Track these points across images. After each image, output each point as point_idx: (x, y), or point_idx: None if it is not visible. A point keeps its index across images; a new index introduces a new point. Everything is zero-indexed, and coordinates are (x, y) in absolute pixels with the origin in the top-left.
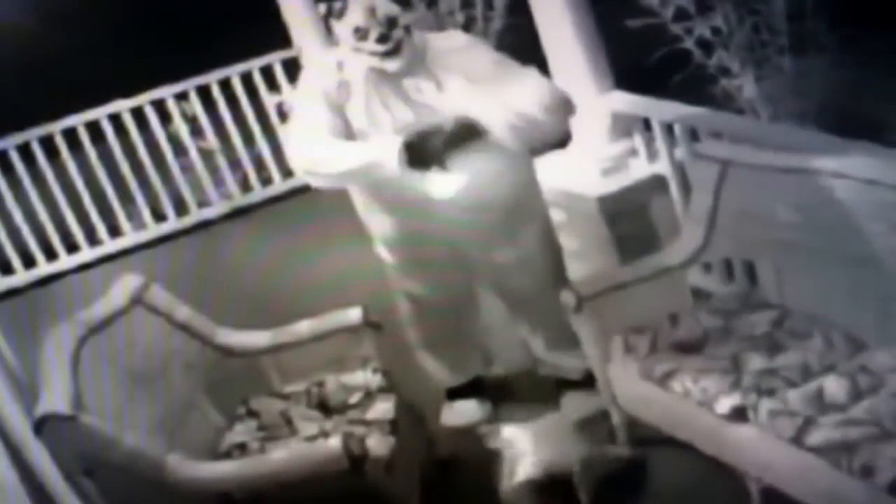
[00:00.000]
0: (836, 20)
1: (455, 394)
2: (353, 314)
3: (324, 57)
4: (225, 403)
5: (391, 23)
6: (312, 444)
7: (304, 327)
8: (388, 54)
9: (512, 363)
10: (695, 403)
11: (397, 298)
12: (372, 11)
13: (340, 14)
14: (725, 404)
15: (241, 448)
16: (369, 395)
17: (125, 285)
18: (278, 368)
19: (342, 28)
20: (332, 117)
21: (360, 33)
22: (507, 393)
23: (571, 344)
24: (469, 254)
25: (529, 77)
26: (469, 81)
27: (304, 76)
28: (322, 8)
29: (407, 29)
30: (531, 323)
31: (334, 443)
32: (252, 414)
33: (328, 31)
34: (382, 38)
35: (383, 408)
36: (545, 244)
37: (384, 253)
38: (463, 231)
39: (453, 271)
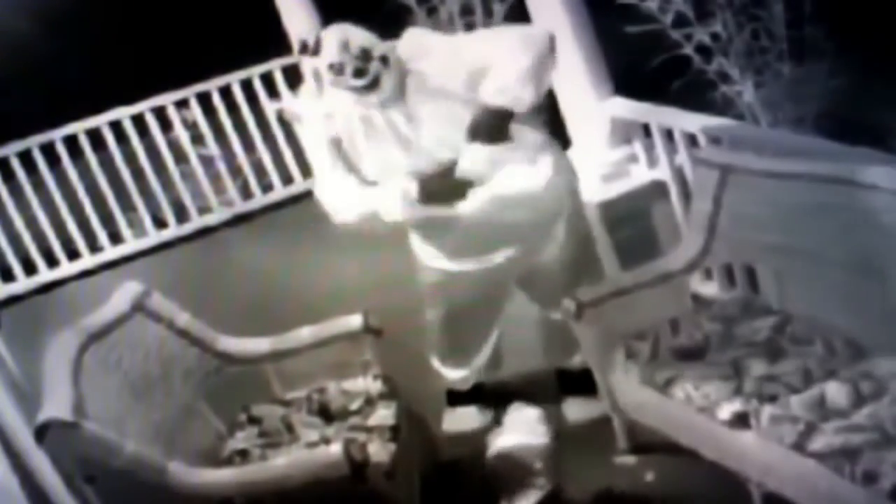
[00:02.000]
0: (835, 26)
1: (456, 400)
2: (354, 320)
3: (312, 108)
4: (226, 410)
5: (366, 55)
6: (314, 451)
7: (304, 334)
8: (366, 88)
9: (519, 365)
10: (696, 409)
11: (426, 302)
12: (345, 45)
13: (315, 51)
14: (727, 410)
15: (243, 455)
16: (370, 402)
17: (126, 292)
18: (279, 375)
19: (318, 65)
20: (336, 159)
21: (336, 69)
22: (508, 399)
23: None
24: (503, 254)
25: (497, 47)
26: (438, 90)
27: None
28: (298, 46)
29: (384, 59)
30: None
31: (335, 449)
32: (253, 421)
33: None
34: (358, 73)
35: (384, 414)
36: (580, 242)
37: (421, 264)
38: (500, 229)
39: (485, 282)
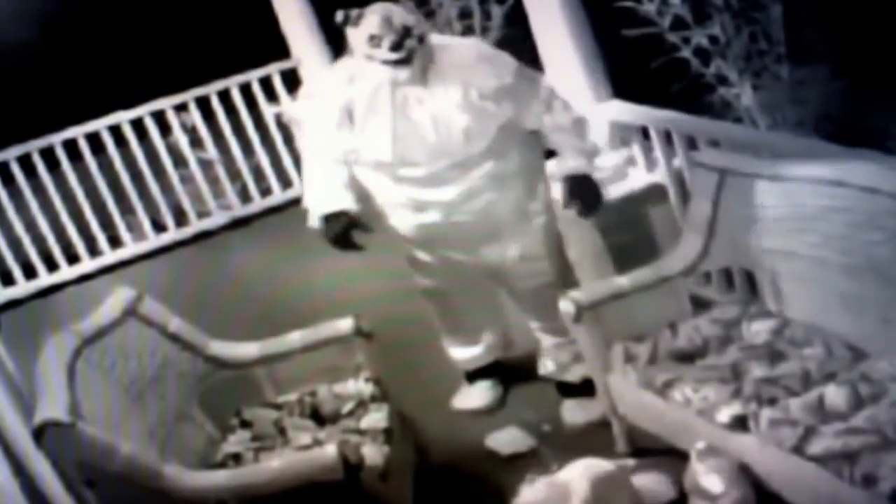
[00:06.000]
0: (833, 29)
1: (474, 377)
2: (345, 324)
3: (336, 69)
4: (218, 414)
5: (406, 32)
6: (309, 452)
7: (294, 338)
8: (399, 63)
9: (529, 347)
10: (695, 412)
11: (420, 293)
12: (388, 20)
13: (356, 21)
14: (726, 413)
15: (236, 458)
16: (362, 404)
17: (118, 297)
18: (271, 379)
19: (357, 35)
20: (332, 143)
21: (375, 41)
22: (520, 378)
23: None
24: (475, 253)
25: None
26: (482, 94)
27: (313, 92)
28: (339, 15)
29: (420, 39)
30: (539, 319)
31: (331, 451)
32: (245, 424)
33: (342, 39)
34: (395, 47)
35: (376, 417)
36: (549, 244)
37: (403, 245)
38: (468, 233)
39: (467, 267)
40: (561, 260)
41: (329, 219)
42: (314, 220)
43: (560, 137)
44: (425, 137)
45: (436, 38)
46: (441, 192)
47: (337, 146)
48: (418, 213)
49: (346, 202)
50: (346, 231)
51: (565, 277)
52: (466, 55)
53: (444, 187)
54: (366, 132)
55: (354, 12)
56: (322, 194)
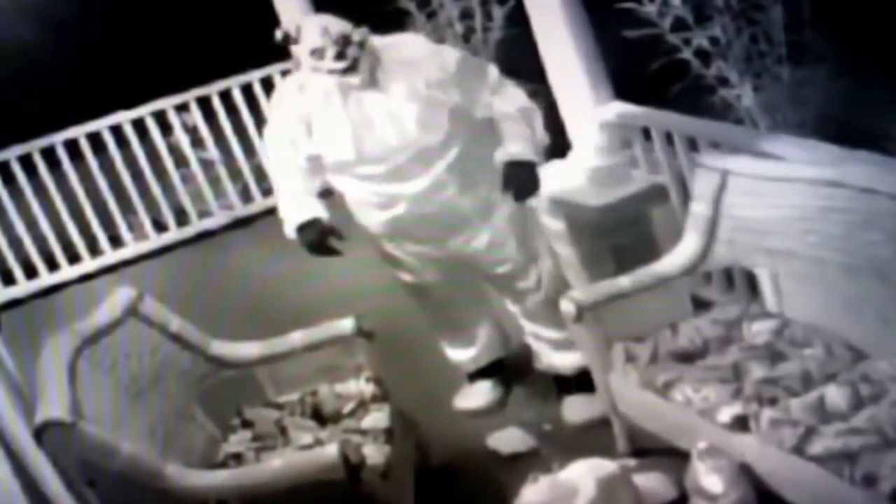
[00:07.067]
0: (834, 30)
1: (476, 376)
2: (346, 324)
3: (287, 81)
4: (220, 414)
5: (345, 40)
6: (310, 452)
7: (296, 338)
8: (346, 71)
9: (525, 341)
10: (696, 412)
11: (405, 290)
12: (325, 31)
13: (296, 38)
14: (727, 413)
15: (237, 458)
16: (363, 404)
17: (119, 297)
18: (272, 378)
19: (300, 51)
20: (295, 152)
21: (317, 54)
22: (521, 378)
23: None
24: (444, 245)
25: (509, 86)
26: (428, 84)
27: (270, 115)
28: (278, 34)
29: (361, 45)
30: (517, 303)
31: (332, 450)
32: (246, 424)
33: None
34: (339, 56)
35: (377, 416)
36: (517, 231)
37: (378, 249)
38: (435, 225)
39: (441, 260)
40: (531, 246)
41: (304, 227)
42: (289, 231)
43: (506, 125)
44: (382, 133)
45: (378, 40)
46: (406, 185)
47: (300, 155)
48: (385, 209)
49: (316, 210)
50: (321, 238)
51: (536, 262)
52: (410, 51)
53: (408, 181)
54: (324, 136)
55: (293, 28)
56: (293, 204)
